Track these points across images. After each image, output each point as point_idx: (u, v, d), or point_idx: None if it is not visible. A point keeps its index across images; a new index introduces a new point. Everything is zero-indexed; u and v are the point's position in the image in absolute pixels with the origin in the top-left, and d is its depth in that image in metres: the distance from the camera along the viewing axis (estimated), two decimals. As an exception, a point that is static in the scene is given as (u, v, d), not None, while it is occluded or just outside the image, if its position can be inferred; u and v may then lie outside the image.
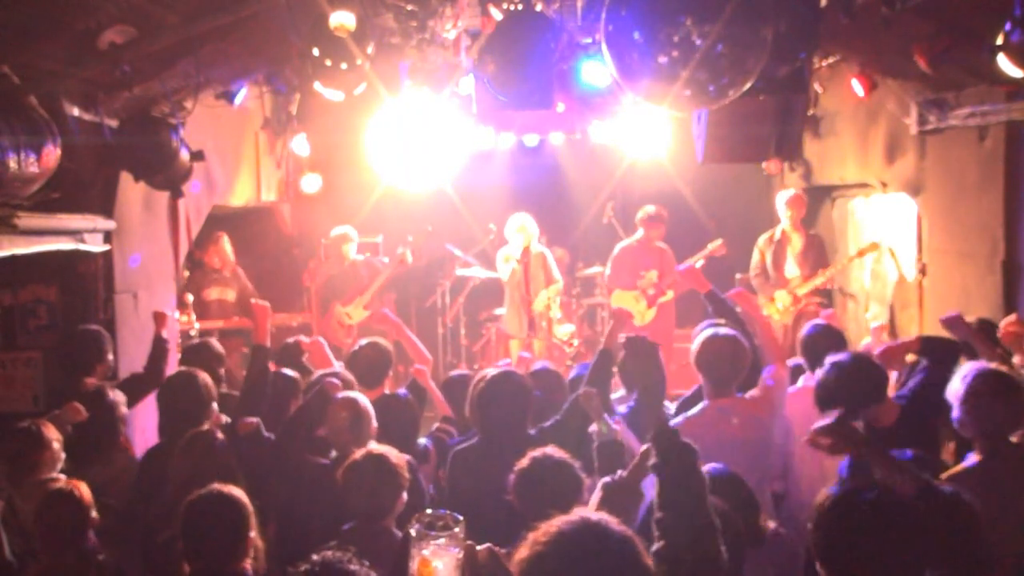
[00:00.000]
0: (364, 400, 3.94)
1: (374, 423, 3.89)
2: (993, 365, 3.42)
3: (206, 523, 2.91)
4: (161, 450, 4.13)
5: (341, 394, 3.93)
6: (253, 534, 2.98)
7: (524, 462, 3.08)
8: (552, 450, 3.12)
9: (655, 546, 2.14)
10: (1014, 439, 3.35)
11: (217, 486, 3.00)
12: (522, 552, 1.78)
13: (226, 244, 7.57)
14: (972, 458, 3.30)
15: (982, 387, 3.27)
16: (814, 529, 2.22)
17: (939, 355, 3.93)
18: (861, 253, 7.17)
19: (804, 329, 4.57)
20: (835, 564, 2.17)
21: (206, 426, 3.99)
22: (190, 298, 6.91)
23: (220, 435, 3.74)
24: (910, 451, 3.14)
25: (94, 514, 3.31)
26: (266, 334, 4.41)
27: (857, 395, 3.58)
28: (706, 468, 3.07)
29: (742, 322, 4.26)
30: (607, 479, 2.87)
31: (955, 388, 3.36)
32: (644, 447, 2.89)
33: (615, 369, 4.24)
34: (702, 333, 4.03)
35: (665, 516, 2.12)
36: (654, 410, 3.83)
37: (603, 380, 4.00)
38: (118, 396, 4.38)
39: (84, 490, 3.32)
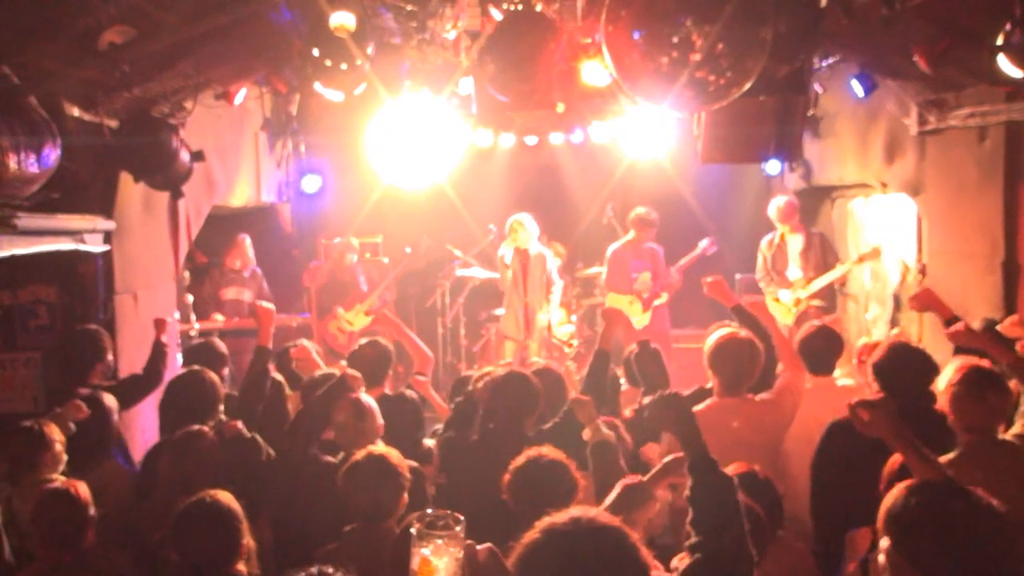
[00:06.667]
0: (368, 399, 3.93)
1: (379, 422, 3.89)
2: (983, 362, 3.40)
3: (197, 531, 2.91)
4: (162, 449, 4.11)
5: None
6: (246, 540, 2.97)
7: (520, 461, 3.08)
8: (547, 450, 3.12)
9: (690, 540, 2.26)
10: (1007, 436, 3.35)
11: (209, 492, 2.99)
12: (517, 550, 1.81)
13: (247, 246, 7.73)
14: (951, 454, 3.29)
15: (963, 383, 3.27)
16: (904, 531, 2.11)
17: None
18: (862, 259, 7.16)
19: (801, 331, 4.57)
20: (928, 567, 2.08)
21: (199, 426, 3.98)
22: (190, 298, 6.91)
23: (211, 434, 3.73)
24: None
25: (92, 512, 3.27)
26: (268, 336, 4.42)
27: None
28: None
29: (768, 334, 4.25)
30: (627, 480, 2.88)
31: (940, 383, 3.37)
32: (668, 458, 2.90)
33: (621, 369, 4.21)
34: (716, 332, 4.03)
35: (698, 513, 2.25)
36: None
37: (600, 381, 3.99)
38: (111, 401, 4.36)
39: (83, 489, 3.29)
